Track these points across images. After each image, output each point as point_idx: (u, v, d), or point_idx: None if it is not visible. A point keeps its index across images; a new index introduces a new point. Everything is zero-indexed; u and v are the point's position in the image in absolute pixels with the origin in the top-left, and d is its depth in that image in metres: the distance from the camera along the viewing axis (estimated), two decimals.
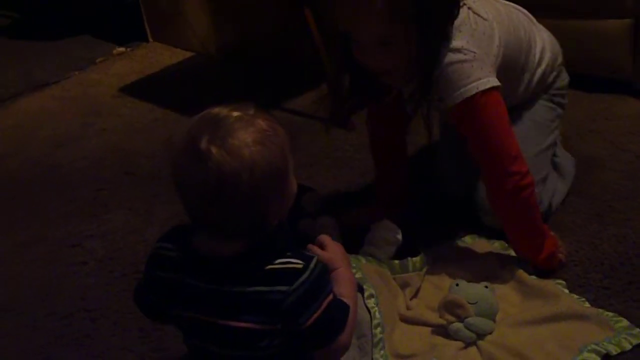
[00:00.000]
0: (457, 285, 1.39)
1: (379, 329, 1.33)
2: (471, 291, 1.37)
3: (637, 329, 1.33)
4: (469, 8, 1.40)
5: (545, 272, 1.49)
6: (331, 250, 1.17)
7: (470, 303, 1.35)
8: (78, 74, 2.89)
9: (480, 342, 1.34)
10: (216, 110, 1.02)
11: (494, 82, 1.37)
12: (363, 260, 1.49)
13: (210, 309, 1.05)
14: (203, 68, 2.82)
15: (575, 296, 1.43)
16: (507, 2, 1.59)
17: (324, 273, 1.06)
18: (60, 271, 1.74)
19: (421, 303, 1.45)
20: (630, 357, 1.29)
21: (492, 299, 1.38)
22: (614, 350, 1.29)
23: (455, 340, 1.35)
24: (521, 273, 1.47)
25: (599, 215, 1.66)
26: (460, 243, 1.61)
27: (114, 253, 1.78)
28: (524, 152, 1.43)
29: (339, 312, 1.08)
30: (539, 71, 1.60)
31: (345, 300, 1.10)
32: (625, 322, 1.35)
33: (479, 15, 1.40)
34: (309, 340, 1.06)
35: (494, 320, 1.37)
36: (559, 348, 1.30)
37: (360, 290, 1.36)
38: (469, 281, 1.41)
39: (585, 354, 1.28)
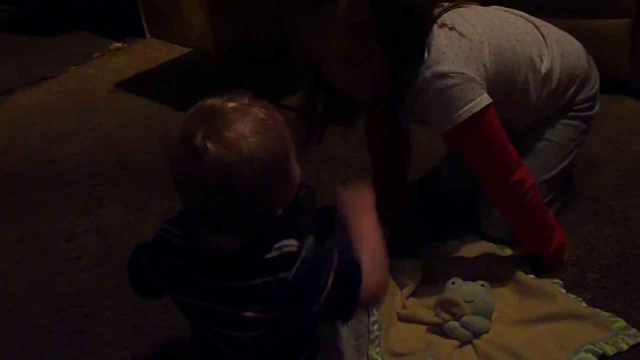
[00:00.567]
0: (453, 283, 1.39)
1: (375, 326, 1.33)
2: (467, 290, 1.37)
3: (634, 330, 1.33)
4: (450, 28, 1.35)
5: (545, 269, 1.49)
6: (346, 196, 1.15)
7: (466, 301, 1.34)
8: (74, 69, 2.87)
9: (476, 341, 1.33)
10: (210, 101, 1.00)
11: (485, 100, 1.32)
12: None
13: (215, 300, 1.03)
14: (200, 64, 2.81)
15: (572, 296, 1.42)
16: (507, 13, 1.51)
17: (320, 251, 1.03)
18: (54, 266, 1.73)
19: (417, 301, 1.45)
20: (627, 357, 1.29)
21: (488, 297, 1.38)
22: (610, 350, 1.29)
23: (451, 338, 1.34)
24: (518, 272, 1.47)
25: (596, 214, 1.66)
26: (457, 243, 1.60)
27: (108, 248, 1.77)
28: (542, 176, 1.44)
29: (351, 275, 1.03)
30: (548, 89, 1.50)
31: (357, 256, 1.06)
32: (622, 322, 1.34)
33: (462, 34, 1.35)
34: (329, 313, 1.04)
35: (490, 319, 1.37)
36: (556, 348, 1.29)
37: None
38: (465, 279, 1.40)
39: (582, 354, 1.28)
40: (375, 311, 1.33)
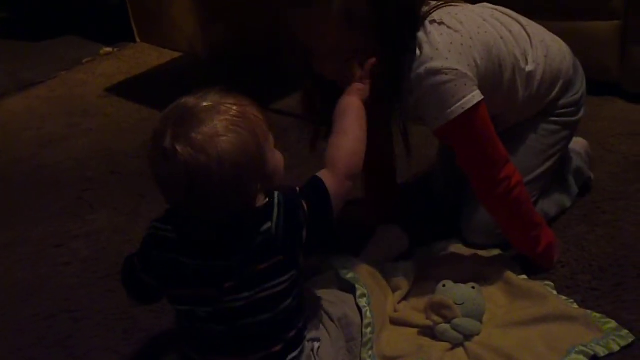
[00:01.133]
0: (443, 286, 1.39)
1: (369, 329, 1.32)
2: (458, 292, 1.37)
3: (625, 331, 1.32)
4: (440, 23, 1.34)
5: (536, 271, 1.49)
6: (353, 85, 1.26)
7: (457, 304, 1.34)
8: (64, 74, 2.87)
9: (467, 343, 1.33)
10: (184, 101, 1.03)
11: (477, 96, 1.33)
12: (356, 260, 1.48)
13: (215, 281, 1.05)
14: (190, 68, 2.81)
15: (564, 297, 1.42)
16: (494, 11, 1.50)
17: (287, 191, 1.09)
18: (44, 272, 1.72)
19: (408, 304, 1.44)
20: (618, 358, 1.29)
21: (479, 299, 1.37)
22: (601, 351, 1.28)
23: (442, 341, 1.34)
24: (509, 274, 1.47)
25: (586, 216, 1.66)
26: (448, 245, 1.60)
27: (98, 253, 1.76)
28: None
29: (318, 192, 1.12)
30: (530, 89, 1.50)
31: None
32: (613, 324, 1.34)
33: (453, 30, 1.34)
34: (314, 235, 1.10)
35: (481, 321, 1.36)
36: (547, 349, 1.29)
37: (353, 289, 1.36)
38: (455, 282, 1.40)
39: (573, 356, 1.27)
40: (369, 314, 1.33)
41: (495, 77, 1.42)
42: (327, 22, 1.25)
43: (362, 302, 1.35)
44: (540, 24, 1.56)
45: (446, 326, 1.33)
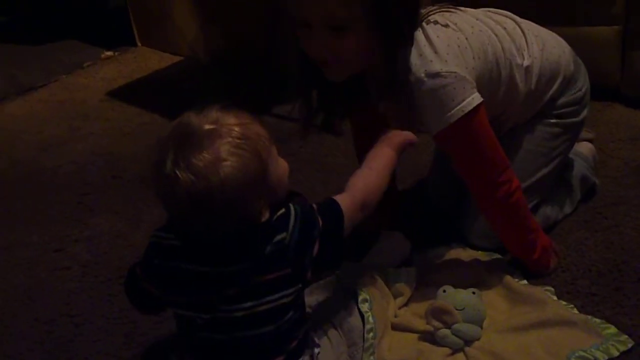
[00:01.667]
0: (444, 291, 1.39)
1: (371, 334, 1.32)
2: (458, 297, 1.37)
3: (625, 336, 1.33)
4: (435, 23, 1.35)
5: (536, 276, 1.49)
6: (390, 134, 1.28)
7: (457, 309, 1.34)
8: (65, 78, 2.87)
9: (467, 349, 1.33)
10: (185, 120, 1.02)
11: (477, 99, 1.32)
12: (358, 266, 1.48)
13: (218, 288, 1.05)
14: (191, 72, 2.81)
15: (564, 303, 1.42)
16: (487, 12, 1.51)
17: (304, 205, 1.09)
18: (44, 276, 1.72)
19: (408, 310, 1.45)
20: None
21: (479, 305, 1.37)
22: (601, 357, 1.28)
23: (443, 346, 1.34)
24: (509, 279, 1.47)
25: (586, 221, 1.66)
26: (447, 250, 1.59)
27: (99, 258, 1.76)
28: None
29: (332, 210, 1.12)
30: (529, 86, 1.49)
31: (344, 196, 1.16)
32: (613, 329, 1.34)
33: (452, 31, 1.35)
34: (324, 255, 1.09)
35: (482, 327, 1.36)
36: (547, 354, 1.29)
37: (354, 295, 1.36)
38: (456, 287, 1.40)
39: None
40: (371, 319, 1.33)
41: (493, 75, 1.42)
42: None
43: (364, 307, 1.35)
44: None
45: (447, 331, 1.33)
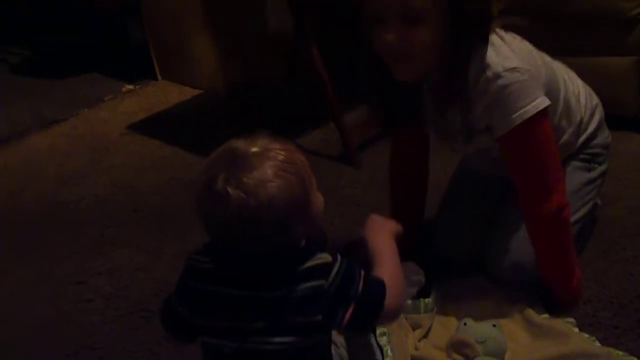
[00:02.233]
0: (465, 324, 1.39)
1: None
2: (479, 330, 1.37)
3: None
4: (501, 37, 1.36)
5: (557, 310, 1.48)
6: (372, 221, 1.23)
7: (478, 342, 1.34)
8: (87, 112, 2.91)
9: None
10: (234, 145, 1.04)
11: (545, 101, 1.34)
12: None
13: (249, 315, 1.05)
14: (211, 106, 2.84)
15: (586, 335, 1.42)
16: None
17: (352, 263, 1.08)
18: (66, 308, 1.74)
19: (428, 342, 1.44)
20: None
21: (500, 338, 1.37)
22: None
23: None
24: (530, 312, 1.46)
25: (605, 252, 1.66)
26: (468, 282, 1.59)
27: (121, 290, 1.78)
28: None
29: (376, 285, 1.09)
30: (578, 114, 1.52)
31: (379, 275, 1.11)
32: None
33: (516, 38, 1.38)
34: (354, 321, 1.07)
35: None
36: None
37: (373, 328, 1.36)
38: (477, 320, 1.40)
39: None
40: (390, 352, 1.33)
41: (553, 92, 1.43)
42: None
43: (383, 340, 1.35)
44: (558, 60, 1.58)
45: None
